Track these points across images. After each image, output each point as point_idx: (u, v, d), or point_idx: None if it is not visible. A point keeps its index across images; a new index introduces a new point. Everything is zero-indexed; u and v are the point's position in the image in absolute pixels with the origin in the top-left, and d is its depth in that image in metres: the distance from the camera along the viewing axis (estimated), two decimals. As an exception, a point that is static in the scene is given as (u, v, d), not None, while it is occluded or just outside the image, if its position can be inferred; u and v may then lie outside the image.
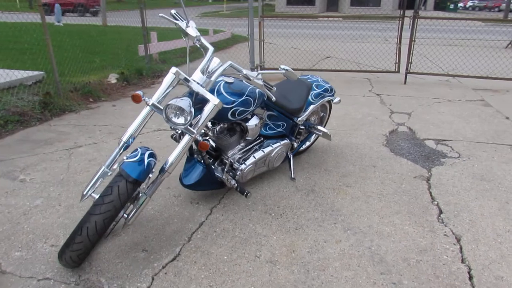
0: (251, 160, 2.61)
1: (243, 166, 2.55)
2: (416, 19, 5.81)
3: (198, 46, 2.24)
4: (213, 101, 2.06)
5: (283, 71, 2.25)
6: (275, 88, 2.40)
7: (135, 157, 1.90)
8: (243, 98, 2.33)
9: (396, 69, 6.14)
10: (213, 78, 2.13)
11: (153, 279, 1.90)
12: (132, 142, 2.03)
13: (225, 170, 2.45)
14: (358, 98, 5.30)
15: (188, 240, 2.21)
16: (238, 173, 2.48)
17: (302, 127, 2.99)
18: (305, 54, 7.93)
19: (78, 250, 1.77)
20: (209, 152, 2.59)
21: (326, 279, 1.91)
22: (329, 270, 1.97)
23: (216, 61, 2.17)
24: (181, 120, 1.99)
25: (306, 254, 2.09)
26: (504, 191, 2.77)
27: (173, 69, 2.04)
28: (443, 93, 5.61)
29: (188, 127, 2.02)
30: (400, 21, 5.94)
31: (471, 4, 41.49)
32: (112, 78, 6.04)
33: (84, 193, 1.95)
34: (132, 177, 1.81)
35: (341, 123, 4.24)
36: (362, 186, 2.83)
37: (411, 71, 6.08)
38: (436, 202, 2.61)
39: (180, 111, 1.98)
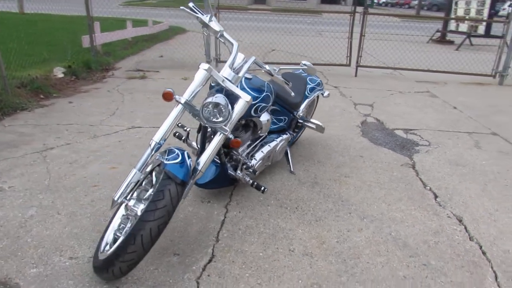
0: (260, 155, 2.61)
1: (254, 162, 2.55)
2: (366, 15, 6.14)
3: (222, 41, 2.18)
4: (245, 98, 2.03)
5: (305, 67, 2.28)
6: (291, 84, 2.43)
7: (176, 158, 1.81)
8: (264, 94, 2.32)
9: (348, 63, 6.45)
10: (240, 74, 2.10)
11: (198, 283, 1.85)
12: (163, 143, 1.93)
13: (242, 167, 2.43)
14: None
15: (217, 240, 2.17)
16: (250, 169, 2.47)
17: (301, 121, 3.05)
18: (251, 47, 7.95)
19: (130, 261, 1.66)
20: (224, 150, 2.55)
21: (364, 266, 2.00)
22: (363, 257, 2.07)
23: (241, 56, 2.14)
24: (219, 118, 1.94)
25: (336, 244, 2.16)
26: (479, 174, 3.09)
27: (205, 65, 1.98)
28: (392, 85, 6.01)
29: (223, 125, 1.98)
30: (352, 17, 6.23)
31: (384, 0, 44.54)
32: (59, 72, 5.59)
33: (116, 199, 1.83)
34: (180, 179, 1.74)
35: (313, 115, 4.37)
36: (358, 175, 2.98)
37: (360, 64, 6.42)
38: (428, 188, 2.84)
39: (218, 108, 1.93)
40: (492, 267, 2.03)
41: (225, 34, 2.16)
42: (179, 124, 2.72)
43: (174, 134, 2.76)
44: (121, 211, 2.03)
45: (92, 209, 2.41)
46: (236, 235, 2.22)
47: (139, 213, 1.80)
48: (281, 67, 2.37)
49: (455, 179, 2.99)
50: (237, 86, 2.07)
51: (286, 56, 7.73)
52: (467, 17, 10.94)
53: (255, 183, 2.49)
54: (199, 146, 2.32)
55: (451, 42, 12.07)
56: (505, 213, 2.54)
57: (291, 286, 1.85)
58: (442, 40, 12.24)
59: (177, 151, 1.86)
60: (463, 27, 11.19)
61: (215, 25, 2.13)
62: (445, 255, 2.11)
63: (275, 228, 2.29)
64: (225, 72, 2.07)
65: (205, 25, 2.14)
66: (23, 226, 2.22)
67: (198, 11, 2.14)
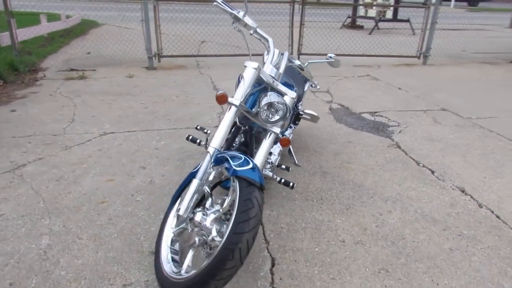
0: (277, 150, 2.60)
1: (273, 158, 2.53)
2: (304, 5, 6.32)
3: (257, 37, 2.11)
4: (291, 95, 2.01)
5: (331, 59, 2.31)
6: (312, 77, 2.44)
7: (246, 164, 1.72)
8: (294, 89, 2.31)
9: (291, 51, 6.60)
10: (281, 70, 2.06)
11: None
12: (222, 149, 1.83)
13: (272, 164, 2.39)
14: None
15: (266, 241, 2.13)
16: (281, 166, 2.45)
17: (301, 113, 3.08)
18: (178, 39, 7.69)
19: (228, 277, 1.55)
20: (240, 148, 2.48)
21: (413, 245, 2.13)
22: (407, 237, 2.20)
23: (276, 51, 2.10)
24: (275, 117, 1.90)
25: (378, 229, 2.26)
26: (454, 147, 3.43)
27: (254, 64, 1.90)
28: (335, 71, 6.30)
29: (278, 125, 1.93)
30: (291, 6, 6.36)
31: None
32: (-19, 78, 4.86)
33: (182, 213, 1.70)
34: (260, 184, 1.67)
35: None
36: (358, 161, 3.12)
37: (302, 52, 6.62)
38: (422, 165, 3.08)
39: (274, 107, 1.89)
40: (510, 228, 2.30)
41: (258, 29, 2.09)
42: (198, 127, 2.57)
43: (187, 138, 2.60)
44: (169, 226, 1.89)
45: (116, 228, 2.20)
46: (282, 233, 2.20)
47: (209, 225, 1.70)
48: (309, 61, 2.37)
49: (438, 154, 3.28)
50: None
51: (220, 48, 7.59)
52: (374, 3, 11.81)
53: (283, 179, 2.47)
54: (247, 149, 2.24)
55: (361, 27, 12.94)
56: (493, 179, 2.87)
57: (362, 276, 1.90)
58: (353, 25, 13.07)
59: (242, 156, 1.77)
60: (372, 12, 12.07)
61: (250, 20, 2.05)
62: (470, 224, 2.33)
63: (315, 222, 2.31)
64: (268, 69, 2.01)
65: (238, 21, 2.05)
66: (46, 259, 1.95)
67: (229, 7, 2.04)
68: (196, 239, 1.74)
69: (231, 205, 1.68)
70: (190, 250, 1.75)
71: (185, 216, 1.70)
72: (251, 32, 2.08)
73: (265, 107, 1.89)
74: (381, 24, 12.10)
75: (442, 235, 2.21)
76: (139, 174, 2.80)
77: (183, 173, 2.80)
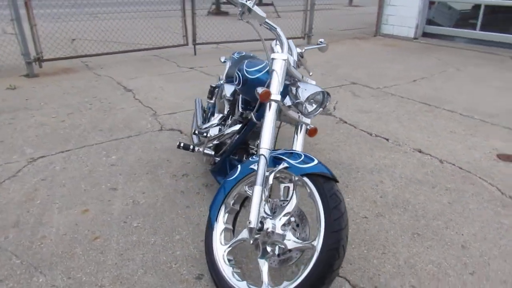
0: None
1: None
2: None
3: (267, 28, 2.00)
4: (314, 83, 1.99)
5: (323, 45, 2.33)
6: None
7: (310, 160, 1.65)
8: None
9: (185, 42, 6.37)
10: (295, 58, 2.01)
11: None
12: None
13: None
14: (179, 74, 5.32)
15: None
16: None
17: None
18: (61, 39, 6.77)
19: (334, 278, 1.49)
20: (240, 147, 2.37)
21: (421, 207, 2.34)
22: (411, 201, 2.41)
23: (289, 41, 2.03)
24: (313, 106, 1.87)
25: (384, 199, 2.43)
26: (386, 115, 3.83)
27: (283, 55, 1.81)
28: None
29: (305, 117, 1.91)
30: (180, -5, 6.10)
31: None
32: None
33: (254, 225, 1.57)
34: (335, 177, 1.63)
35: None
36: (322, 140, 3.25)
37: (197, 42, 6.46)
38: (374, 134, 3.37)
39: (313, 98, 1.85)
40: (475, 175, 2.70)
41: (267, 19, 1.99)
42: (182, 145, 2.34)
43: (179, 146, 2.35)
44: (218, 244, 1.74)
45: (136, 263, 1.90)
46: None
47: (282, 232, 1.60)
48: (306, 48, 2.34)
49: (380, 123, 3.62)
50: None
51: (103, 45, 6.87)
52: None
53: None
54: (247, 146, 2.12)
55: (226, 13, 13.14)
56: (434, 137, 3.31)
57: (404, 243, 2.03)
58: (218, 12, 13.19)
59: (299, 153, 1.70)
60: (235, -2, 12.32)
61: (259, 10, 1.93)
62: (447, 178, 2.66)
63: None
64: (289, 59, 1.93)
65: (249, 12, 1.91)
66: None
67: (236, -2, 1.89)
68: (267, 248, 1.62)
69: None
70: (264, 262, 1.62)
71: (257, 227, 1.57)
72: (262, 22, 1.97)
73: (311, 99, 1.83)
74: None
75: (435, 193, 2.48)
76: (114, 197, 2.44)
77: (163, 186, 2.54)
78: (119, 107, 3.98)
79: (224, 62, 3.15)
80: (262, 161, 1.65)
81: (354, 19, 11.31)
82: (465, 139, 3.28)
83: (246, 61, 2.16)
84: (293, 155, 1.69)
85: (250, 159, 1.82)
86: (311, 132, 1.99)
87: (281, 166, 1.67)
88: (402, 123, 3.59)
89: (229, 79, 2.75)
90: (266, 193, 1.65)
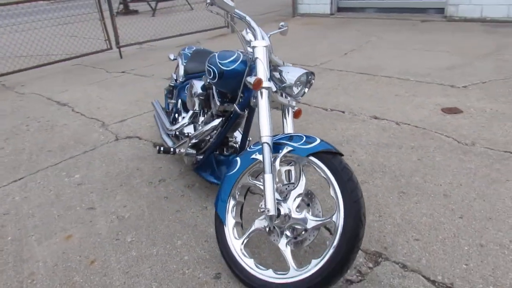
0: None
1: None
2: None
3: (236, 17, 1.98)
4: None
5: (285, 28, 2.36)
6: None
7: (313, 140, 1.69)
8: None
9: (109, 46, 6.05)
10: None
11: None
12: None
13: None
14: (112, 80, 5.06)
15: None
16: None
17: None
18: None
19: (360, 245, 1.56)
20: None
21: (401, 168, 2.52)
22: (391, 166, 2.58)
23: (259, 28, 2.03)
24: (304, 89, 1.90)
25: (367, 167, 2.57)
26: (334, 89, 4.00)
27: (263, 42, 1.81)
28: (163, 55, 6.15)
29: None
30: (96, -3, 5.76)
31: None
32: None
33: (273, 213, 1.59)
34: (339, 151, 1.68)
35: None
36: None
37: (121, 44, 6.17)
38: (329, 109, 3.52)
39: (300, 81, 1.88)
40: (431, 130, 2.95)
41: (236, 9, 1.97)
42: (161, 149, 2.25)
43: (159, 151, 2.26)
44: (233, 238, 1.74)
45: (146, 277, 1.83)
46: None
47: (300, 215, 1.64)
48: (269, 33, 2.34)
49: (329, 98, 3.77)
50: None
51: (7, 62, 6.24)
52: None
53: None
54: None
55: (135, 12, 12.64)
56: (384, 104, 3.54)
57: (429, 206, 2.17)
58: (127, 11, 12.64)
59: (302, 135, 1.73)
60: (143, -5, 11.89)
61: (228, 0, 1.91)
62: (408, 137, 2.87)
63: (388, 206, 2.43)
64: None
65: (214, 3, 1.88)
66: None
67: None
68: (287, 232, 1.65)
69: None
70: (286, 247, 1.65)
71: (275, 213, 1.58)
72: (231, 12, 1.94)
73: (298, 82, 1.85)
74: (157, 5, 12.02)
75: (403, 153, 2.67)
76: (94, 217, 2.29)
77: (144, 196, 2.44)
78: (61, 123, 3.70)
79: (175, 59, 3.06)
80: (267, 149, 1.65)
81: (267, 3, 11.49)
82: (410, 100, 3.54)
83: (215, 53, 2.12)
84: (293, 138, 1.71)
85: (248, 149, 1.81)
86: (297, 114, 2.02)
87: (285, 151, 1.69)
88: (350, 95, 3.78)
89: (190, 75, 2.69)
90: (276, 179, 1.66)
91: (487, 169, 2.38)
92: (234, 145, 2.39)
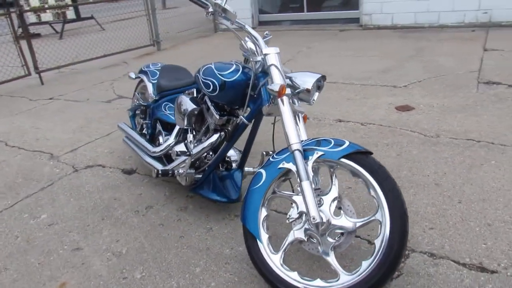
0: None
1: None
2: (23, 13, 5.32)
3: (238, 26, 1.92)
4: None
5: (270, 37, 2.33)
6: None
7: (341, 143, 1.67)
8: None
9: (27, 72, 5.49)
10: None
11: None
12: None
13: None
14: (41, 108, 4.60)
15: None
16: None
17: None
18: None
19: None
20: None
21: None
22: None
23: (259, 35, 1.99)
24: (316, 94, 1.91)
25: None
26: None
27: (275, 49, 1.80)
28: (98, 76, 5.77)
29: None
30: (8, 18, 5.21)
31: None
32: None
33: (321, 219, 1.57)
34: (368, 150, 1.70)
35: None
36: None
37: (40, 69, 5.65)
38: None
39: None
40: (397, 127, 3.14)
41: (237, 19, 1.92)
42: (160, 172, 2.08)
43: (157, 175, 2.08)
44: (268, 254, 1.68)
45: (178, 313, 1.67)
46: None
47: (336, 218, 1.64)
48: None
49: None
50: None
51: None
52: (46, 6, 10.84)
53: None
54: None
55: (38, 35, 11.68)
56: (338, 107, 3.69)
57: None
58: (29, 35, 11.59)
59: (329, 139, 1.72)
60: (47, 16, 11.06)
61: (230, 8, 1.85)
62: (383, 135, 3.03)
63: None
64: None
65: (217, 12, 1.81)
66: None
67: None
68: (329, 239, 1.62)
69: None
70: (330, 253, 1.62)
71: (324, 220, 1.55)
72: (233, 21, 1.88)
73: (314, 86, 1.84)
74: (59, 26, 11.12)
75: (381, 150, 2.80)
76: (85, 258, 2.04)
77: (135, 227, 2.24)
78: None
79: (137, 77, 2.87)
80: (299, 156, 1.62)
81: (183, 20, 11.38)
82: (363, 102, 3.75)
83: (211, 65, 2.03)
84: (321, 142, 1.70)
85: (270, 159, 1.75)
86: (304, 119, 2.01)
87: (315, 156, 1.66)
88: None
89: (165, 92, 2.54)
90: (313, 186, 1.63)
91: (460, 157, 2.59)
92: (229, 160, 2.30)
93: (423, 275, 1.70)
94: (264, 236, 1.68)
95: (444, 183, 2.33)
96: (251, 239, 1.68)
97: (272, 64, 1.74)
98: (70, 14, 10.74)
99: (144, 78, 2.78)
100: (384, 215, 1.54)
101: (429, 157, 2.63)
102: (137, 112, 2.92)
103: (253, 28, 1.94)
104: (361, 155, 1.64)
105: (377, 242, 1.54)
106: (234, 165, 2.31)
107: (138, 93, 2.96)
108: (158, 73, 2.73)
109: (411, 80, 4.21)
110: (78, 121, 3.98)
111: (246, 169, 2.23)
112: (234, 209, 2.26)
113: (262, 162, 2.22)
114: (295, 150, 1.62)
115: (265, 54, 1.76)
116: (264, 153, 2.19)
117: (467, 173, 2.40)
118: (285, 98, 1.71)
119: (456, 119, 3.16)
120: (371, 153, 1.67)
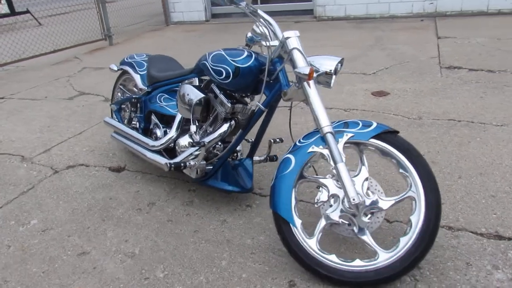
0: None
1: None
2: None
3: (251, 9, 1.86)
4: None
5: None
6: None
7: (369, 124, 1.70)
8: None
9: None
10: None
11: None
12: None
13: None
14: (5, 110, 4.23)
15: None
16: None
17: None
18: None
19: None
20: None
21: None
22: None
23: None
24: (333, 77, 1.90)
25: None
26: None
27: (295, 32, 1.75)
28: (57, 72, 5.39)
29: None
30: None
31: None
32: None
33: (360, 200, 1.59)
34: (395, 129, 1.73)
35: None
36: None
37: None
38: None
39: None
40: (379, 111, 3.25)
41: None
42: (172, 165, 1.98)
43: (170, 168, 1.97)
44: (304, 240, 1.68)
45: (216, 308, 1.61)
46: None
47: (370, 198, 1.66)
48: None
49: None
50: None
51: None
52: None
53: None
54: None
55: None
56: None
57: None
58: (-46, 31, 10.54)
59: (357, 121, 1.73)
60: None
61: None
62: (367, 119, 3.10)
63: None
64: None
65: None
66: None
67: None
68: (365, 219, 1.64)
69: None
70: (365, 233, 1.64)
71: (360, 201, 1.57)
72: (249, 5, 1.83)
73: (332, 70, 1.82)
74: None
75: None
76: (96, 261, 1.90)
77: (143, 225, 2.12)
78: (-40, 166, 2.92)
79: (120, 69, 2.71)
80: (331, 139, 1.62)
81: (132, 13, 10.90)
82: (340, 89, 3.82)
83: (221, 51, 1.95)
84: (349, 124, 1.70)
85: (297, 143, 1.73)
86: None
87: (345, 138, 1.67)
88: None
89: (159, 83, 2.42)
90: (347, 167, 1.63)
91: (447, 136, 2.72)
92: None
93: (447, 247, 1.76)
94: (297, 221, 1.66)
95: (440, 161, 2.44)
96: (285, 226, 1.65)
97: (294, 48, 1.71)
98: (4, 8, 9.87)
99: (129, 69, 2.62)
100: (418, 191, 1.58)
101: (419, 138, 2.74)
102: (123, 106, 2.75)
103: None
104: (390, 135, 1.66)
105: (413, 218, 1.58)
106: (239, 154, 2.26)
107: (121, 86, 2.79)
108: (145, 64, 2.59)
109: (378, 67, 4.36)
110: (42, 120, 3.68)
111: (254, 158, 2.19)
112: (244, 199, 2.22)
113: (270, 150, 2.19)
114: (327, 132, 1.61)
115: (286, 38, 1.72)
116: (272, 140, 2.15)
117: (458, 150, 2.53)
118: (311, 81, 1.69)
119: (432, 101, 3.32)
120: (398, 132, 1.70)
